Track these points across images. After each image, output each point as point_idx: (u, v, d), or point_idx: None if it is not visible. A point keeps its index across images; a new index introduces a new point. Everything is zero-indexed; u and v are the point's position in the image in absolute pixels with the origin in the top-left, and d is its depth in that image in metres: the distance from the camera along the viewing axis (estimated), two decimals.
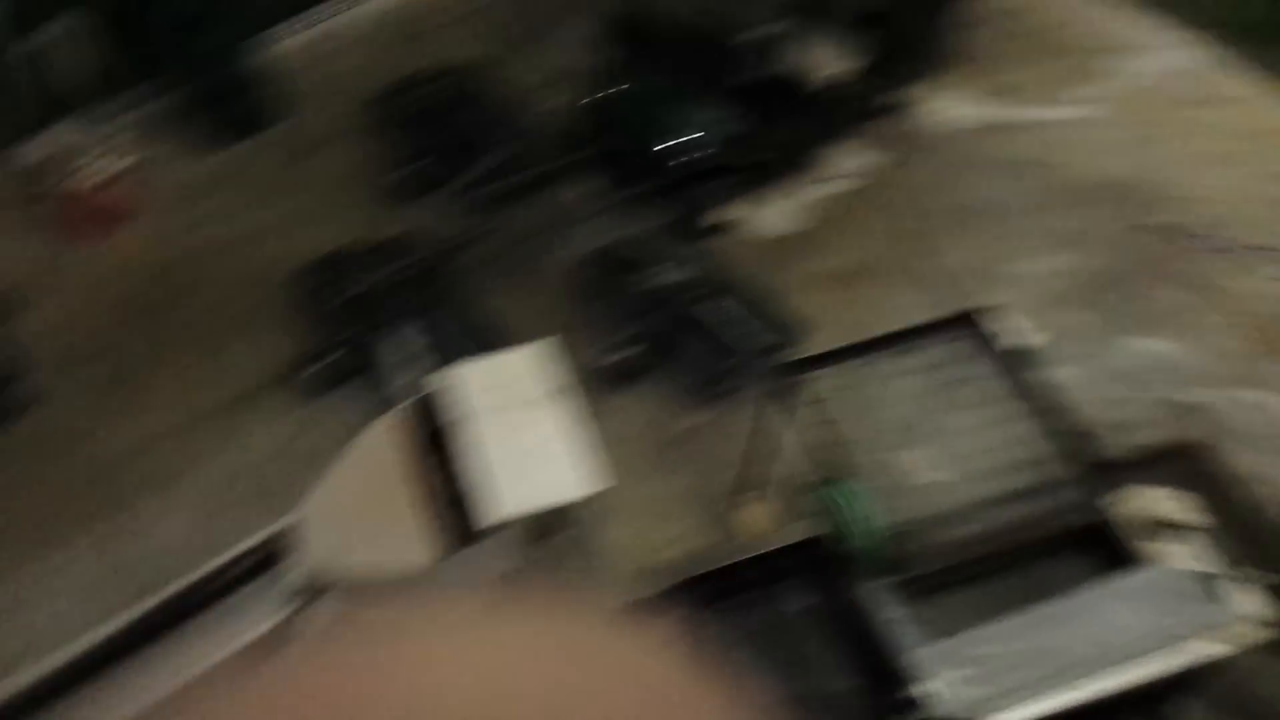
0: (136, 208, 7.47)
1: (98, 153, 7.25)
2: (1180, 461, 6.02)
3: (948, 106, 8.06)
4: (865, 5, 7.16)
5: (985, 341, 5.02)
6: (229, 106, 7.76)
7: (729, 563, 4.40)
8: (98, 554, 5.98)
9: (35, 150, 7.23)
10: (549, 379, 2.68)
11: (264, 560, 2.54)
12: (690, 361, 6.38)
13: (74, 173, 7.16)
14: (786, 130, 7.32)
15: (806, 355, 5.42)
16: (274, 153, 7.81)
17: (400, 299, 6.38)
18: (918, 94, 8.02)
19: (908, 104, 7.99)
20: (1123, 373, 6.65)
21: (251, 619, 2.40)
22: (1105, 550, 4.51)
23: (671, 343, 6.42)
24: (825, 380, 4.83)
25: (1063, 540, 4.54)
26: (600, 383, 6.43)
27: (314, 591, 2.46)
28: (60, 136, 7.25)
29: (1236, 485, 6.03)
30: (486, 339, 6.38)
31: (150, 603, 2.43)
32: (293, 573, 2.45)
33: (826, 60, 7.19)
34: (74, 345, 6.88)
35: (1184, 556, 4.74)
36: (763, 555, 4.47)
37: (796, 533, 4.75)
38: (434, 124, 7.51)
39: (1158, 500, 4.88)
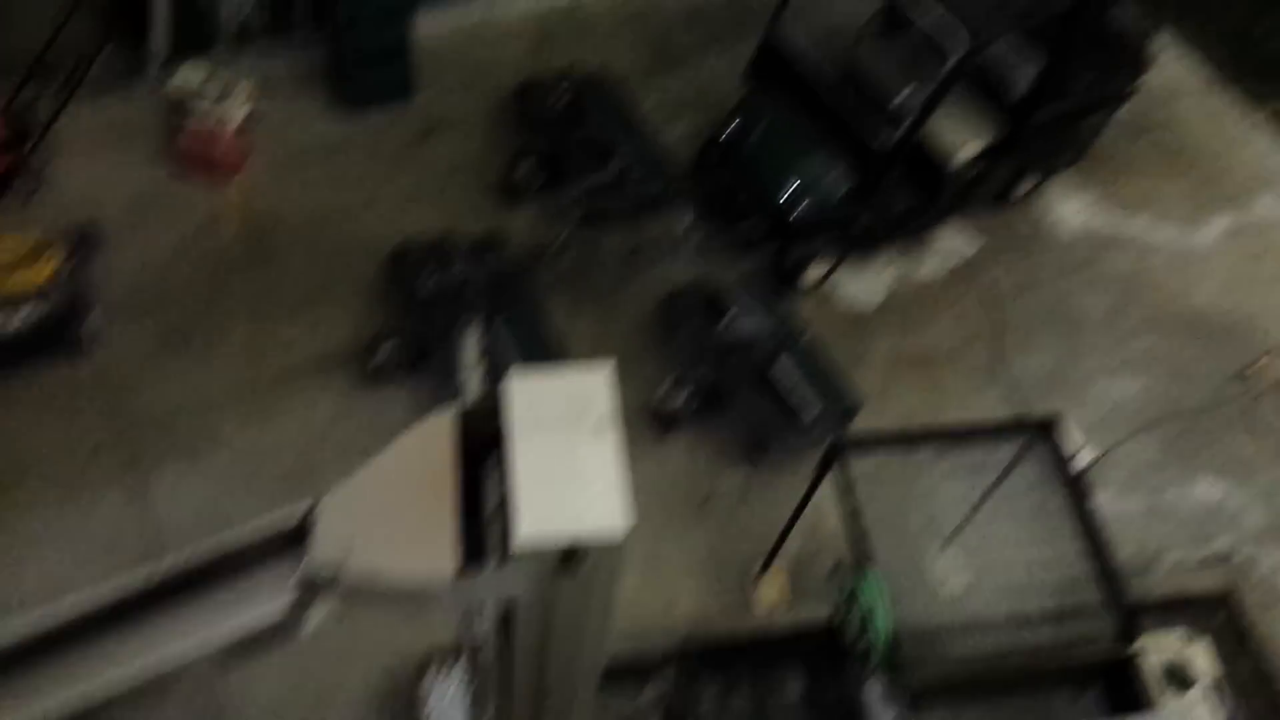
0: (253, 159, 7.68)
1: (231, 95, 7.45)
2: (1211, 612, 5.91)
3: (1069, 208, 7.98)
4: (1020, 90, 7.03)
5: (1045, 454, 4.98)
6: (369, 74, 7.94)
7: (734, 636, 4.40)
8: (111, 513, 6.08)
9: (173, 81, 7.41)
10: (601, 407, 2.71)
11: (274, 546, 2.60)
12: (746, 418, 6.41)
13: (204, 112, 7.39)
14: (906, 201, 7.28)
15: (864, 433, 5.43)
16: (397, 129, 8.00)
17: (479, 298, 6.49)
18: (1044, 190, 7.95)
19: (1031, 198, 7.92)
20: (1173, 512, 6.60)
21: (249, 608, 2.48)
22: (1119, 690, 4.45)
23: (732, 395, 6.45)
24: (876, 462, 4.83)
25: (1078, 672, 4.48)
26: (651, 422, 6.48)
27: (318, 588, 2.54)
28: (198, 73, 7.44)
29: (1260, 644, 5.92)
30: (551, 352, 6.48)
31: (146, 574, 2.49)
32: (300, 565, 2.52)
33: (962, 139, 7.11)
34: (147, 290, 6.97)
35: (1200, 710, 4.65)
36: (770, 635, 4.47)
37: (809, 615, 4.73)
38: (558, 129, 7.64)
39: (1181, 647, 4.79)
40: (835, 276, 7.38)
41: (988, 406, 6.77)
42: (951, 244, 7.70)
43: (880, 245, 7.49)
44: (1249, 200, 8.16)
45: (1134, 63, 7.52)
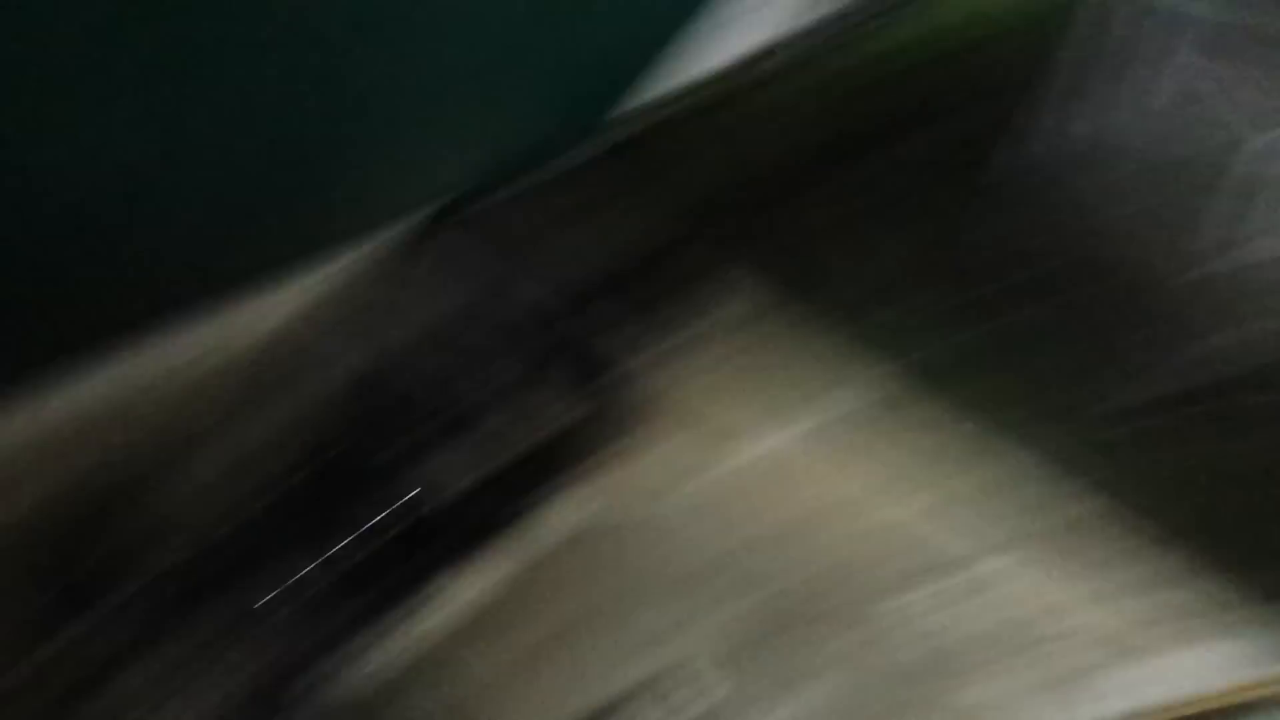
0: None
1: None
2: None
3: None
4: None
5: None
6: None
7: None
8: None
9: None
10: None
11: None
12: None
13: None
14: (399, 563, 6.14)
15: None
16: None
17: None
18: (538, 499, 7.15)
19: (529, 514, 7.07)
20: None
21: None
22: None
23: None
24: None
25: None
26: None
27: None
28: None
29: None
30: None
31: None
32: None
33: (453, 476, 6.19)
34: None
35: None
36: None
37: None
38: None
39: None
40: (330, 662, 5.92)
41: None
42: (471, 585, 6.55)
43: (379, 615, 6.24)
44: (822, 402, 7.83)
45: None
